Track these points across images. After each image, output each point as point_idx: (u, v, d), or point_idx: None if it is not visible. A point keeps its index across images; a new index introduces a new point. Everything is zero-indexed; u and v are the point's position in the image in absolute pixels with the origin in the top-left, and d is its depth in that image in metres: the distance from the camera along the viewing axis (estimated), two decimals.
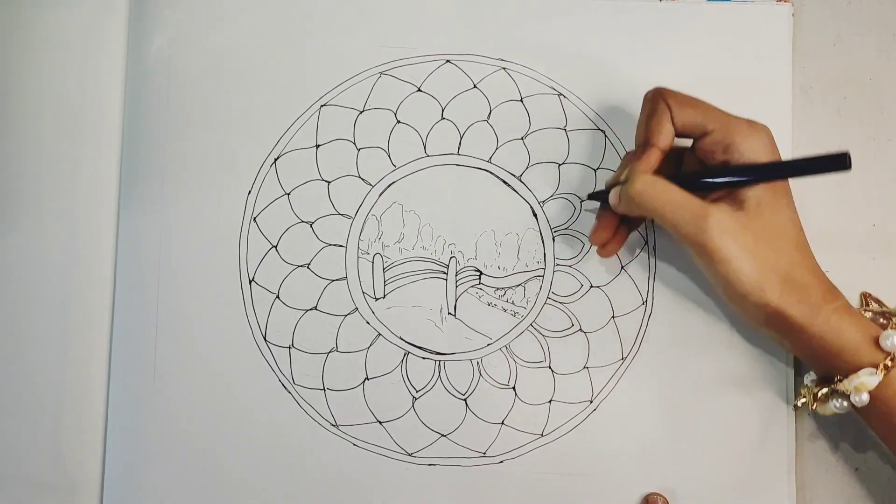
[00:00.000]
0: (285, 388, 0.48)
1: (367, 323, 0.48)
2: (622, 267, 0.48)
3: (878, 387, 0.40)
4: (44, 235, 0.48)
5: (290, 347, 0.48)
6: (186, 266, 0.48)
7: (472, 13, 0.49)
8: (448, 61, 0.49)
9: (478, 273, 0.48)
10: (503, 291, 0.48)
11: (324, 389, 0.47)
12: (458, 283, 0.48)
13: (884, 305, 0.43)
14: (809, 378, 0.44)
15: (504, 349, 0.48)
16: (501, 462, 0.47)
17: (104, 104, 0.49)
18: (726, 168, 0.42)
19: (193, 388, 0.47)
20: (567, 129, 0.49)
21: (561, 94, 0.49)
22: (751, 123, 0.42)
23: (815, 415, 0.46)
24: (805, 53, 0.49)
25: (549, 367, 0.47)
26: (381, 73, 0.49)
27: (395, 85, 0.49)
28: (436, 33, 0.49)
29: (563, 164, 0.48)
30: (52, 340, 0.47)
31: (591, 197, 0.47)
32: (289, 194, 0.49)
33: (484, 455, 0.47)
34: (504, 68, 0.49)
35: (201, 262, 0.48)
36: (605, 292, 0.48)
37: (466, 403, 0.47)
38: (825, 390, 0.42)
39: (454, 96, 0.49)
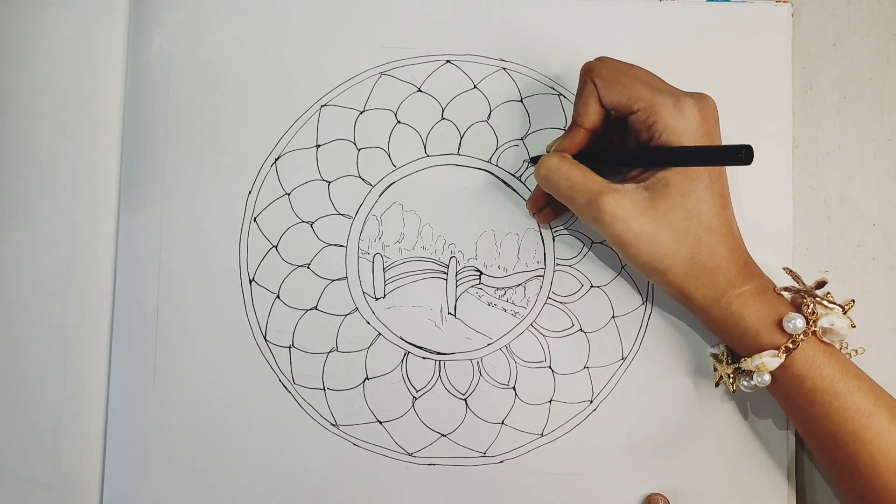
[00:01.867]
0: (285, 388, 0.47)
1: (368, 323, 0.48)
2: (622, 267, 0.48)
3: (780, 368, 0.40)
4: (44, 235, 0.48)
5: (290, 347, 0.48)
6: (186, 266, 0.48)
7: (472, 13, 0.49)
8: (448, 61, 0.49)
9: (478, 273, 0.48)
10: (503, 291, 0.48)
11: (324, 389, 0.47)
12: (458, 283, 0.48)
13: (802, 283, 0.43)
14: (719, 349, 0.45)
15: (504, 349, 0.48)
16: (501, 462, 0.47)
17: (104, 104, 0.49)
18: (618, 151, 0.43)
19: (193, 388, 0.47)
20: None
21: (561, 94, 0.49)
22: (677, 104, 0.41)
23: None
24: (805, 53, 0.49)
25: (549, 367, 0.47)
26: (381, 73, 0.49)
27: (396, 85, 0.49)
28: (436, 33, 0.49)
29: None
30: (52, 340, 0.47)
31: (532, 161, 0.48)
32: (289, 194, 0.49)
33: (484, 455, 0.47)
34: (504, 68, 0.49)
35: (201, 262, 0.48)
36: (605, 292, 0.48)
37: (466, 403, 0.47)
38: (732, 370, 0.43)
39: (454, 96, 0.49)
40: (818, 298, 0.42)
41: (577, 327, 0.48)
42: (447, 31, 0.49)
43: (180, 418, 0.47)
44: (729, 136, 0.48)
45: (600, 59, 0.43)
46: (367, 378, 0.47)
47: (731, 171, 0.48)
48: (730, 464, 0.47)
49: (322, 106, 0.49)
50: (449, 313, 0.48)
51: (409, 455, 0.47)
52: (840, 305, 0.42)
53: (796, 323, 0.40)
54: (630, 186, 0.41)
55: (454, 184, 0.48)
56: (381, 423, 0.47)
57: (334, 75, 0.49)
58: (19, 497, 0.47)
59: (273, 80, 0.49)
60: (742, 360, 0.42)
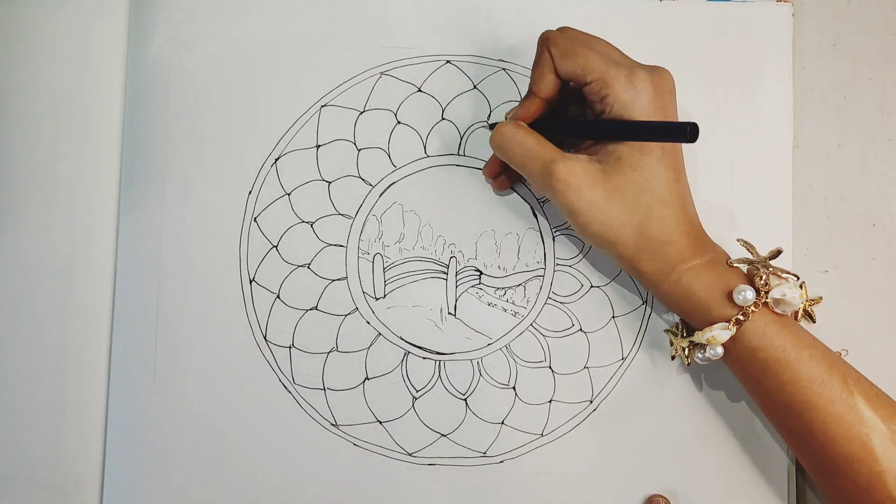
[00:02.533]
0: (285, 387, 0.48)
1: (368, 323, 0.48)
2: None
3: (731, 340, 0.40)
4: (44, 235, 0.48)
5: (290, 347, 0.48)
6: (186, 266, 0.48)
7: (472, 14, 0.49)
8: (448, 62, 0.49)
9: (478, 273, 0.48)
10: (503, 291, 0.48)
11: (324, 389, 0.47)
12: (458, 283, 0.48)
13: (755, 254, 0.43)
14: (674, 323, 0.45)
15: (504, 349, 0.48)
16: (501, 462, 0.47)
17: (104, 104, 0.49)
18: (568, 122, 0.43)
19: (193, 388, 0.47)
20: None
21: None
22: (630, 77, 0.40)
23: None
24: (805, 53, 0.49)
25: (549, 367, 0.47)
26: (381, 73, 0.49)
27: (396, 85, 0.49)
28: (436, 33, 0.49)
29: None
30: (52, 340, 0.47)
31: (490, 127, 0.47)
32: (289, 194, 0.49)
33: (484, 455, 0.47)
34: (504, 69, 0.49)
35: (201, 262, 0.48)
36: (605, 292, 0.48)
37: (466, 403, 0.47)
38: (686, 343, 0.43)
39: (454, 97, 0.49)
40: (771, 269, 0.42)
41: (577, 327, 0.48)
42: (447, 31, 0.49)
43: (180, 418, 0.47)
44: (729, 136, 0.48)
45: (561, 29, 0.43)
46: (367, 378, 0.47)
47: (730, 171, 0.48)
48: (730, 464, 0.47)
49: (322, 106, 0.49)
50: (449, 313, 0.48)
51: (409, 455, 0.47)
52: (794, 275, 0.42)
53: (746, 295, 0.40)
54: (583, 157, 0.41)
55: (454, 184, 0.48)
56: (381, 423, 0.47)
57: (334, 75, 0.49)
58: (19, 497, 0.47)
59: (273, 81, 0.49)
60: (695, 333, 0.42)
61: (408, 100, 0.49)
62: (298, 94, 0.49)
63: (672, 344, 0.45)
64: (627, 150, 0.40)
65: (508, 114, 0.45)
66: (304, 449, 0.47)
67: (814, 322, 0.44)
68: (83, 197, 0.48)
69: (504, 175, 0.47)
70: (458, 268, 0.48)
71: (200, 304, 0.48)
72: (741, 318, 0.40)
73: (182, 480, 0.47)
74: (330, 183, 0.49)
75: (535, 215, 0.48)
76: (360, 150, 0.49)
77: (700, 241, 0.42)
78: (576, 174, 0.40)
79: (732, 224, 0.47)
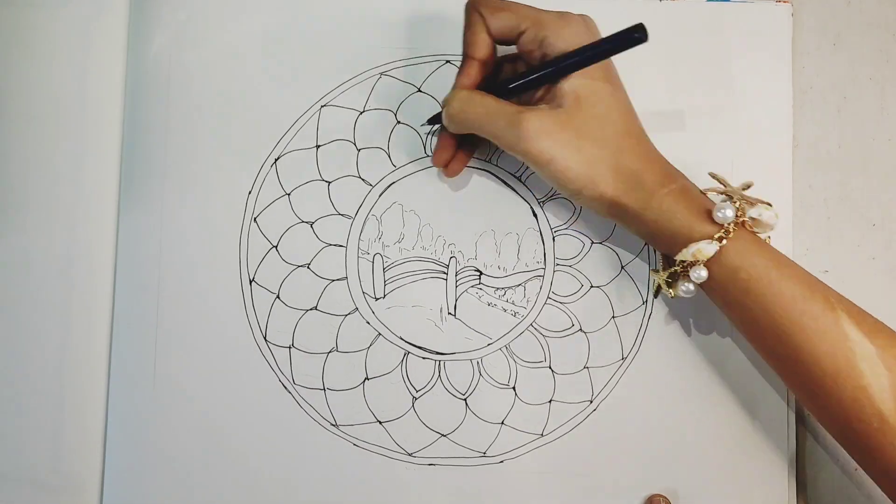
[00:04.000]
0: (285, 388, 0.47)
1: (367, 323, 0.48)
2: (622, 267, 0.48)
3: (714, 261, 0.40)
4: (44, 235, 0.48)
5: (290, 347, 0.48)
6: (186, 266, 0.48)
7: None
8: (448, 62, 0.49)
9: (478, 273, 0.48)
10: (503, 291, 0.48)
11: (324, 389, 0.47)
12: (458, 283, 0.48)
13: (727, 185, 0.43)
14: (659, 264, 0.45)
15: (504, 349, 0.48)
16: (501, 462, 0.47)
17: (104, 104, 0.49)
18: (520, 76, 0.43)
19: (193, 388, 0.47)
20: None
21: None
22: (561, 15, 0.42)
23: None
24: (805, 53, 0.49)
25: (549, 367, 0.47)
26: (381, 73, 0.49)
27: (396, 85, 0.49)
28: (436, 34, 0.49)
29: None
30: (52, 340, 0.47)
31: (430, 121, 0.48)
32: (289, 194, 0.49)
33: (484, 455, 0.47)
34: None
35: (201, 262, 0.48)
36: (605, 292, 0.48)
37: (466, 403, 0.47)
38: (668, 273, 0.43)
39: None
40: (744, 196, 0.42)
41: (577, 327, 0.48)
42: (447, 31, 0.49)
43: (180, 419, 0.47)
44: (729, 136, 0.48)
45: None
46: (367, 378, 0.47)
47: (730, 171, 0.48)
48: (730, 464, 0.47)
49: (322, 106, 0.49)
50: (449, 313, 0.48)
51: (409, 455, 0.47)
52: (766, 203, 0.42)
53: (726, 212, 0.40)
54: (544, 107, 0.41)
55: (454, 184, 0.48)
56: (381, 423, 0.47)
57: (334, 75, 0.49)
58: (19, 497, 0.47)
59: (273, 81, 0.49)
60: (680, 251, 0.41)
61: (408, 100, 0.49)
62: (298, 94, 0.49)
63: (654, 281, 0.45)
64: (583, 88, 0.41)
65: (447, 98, 0.44)
66: (304, 449, 0.47)
67: None
68: (83, 197, 0.48)
69: (455, 159, 0.47)
70: (458, 268, 0.48)
71: (200, 304, 0.48)
72: (723, 234, 0.40)
73: (182, 480, 0.47)
74: (330, 183, 0.49)
75: (534, 215, 0.48)
76: (359, 150, 0.49)
77: (669, 167, 0.42)
78: (544, 120, 0.41)
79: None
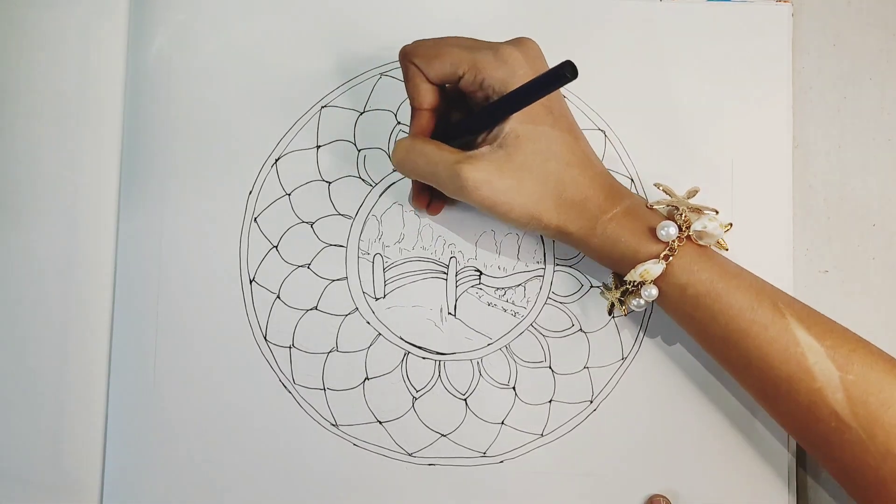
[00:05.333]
0: (285, 387, 0.48)
1: (368, 323, 0.48)
2: None
3: (662, 279, 0.41)
4: (44, 235, 0.48)
5: (290, 347, 0.48)
6: (186, 266, 0.48)
7: (472, 15, 0.49)
8: None
9: (478, 273, 0.48)
10: (503, 291, 0.48)
11: (324, 389, 0.47)
12: (458, 283, 0.48)
13: (673, 194, 0.43)
14: (610, 281, 0.45)
15: (504, 349, 0.48)
16: (501, 462, 0.47)
17: (104, 104, 0.49)
18: (458, 124, 0.43)
19: (193, 388, 0.47)
20: None
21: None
22: (497, 54, 0.41)
23: None
24: (805, 53, 0.49)
25: (549, 367, 0.47)
26: (381, 73, 0.49)
27: (396, 86, 0.49)
28: (436, 34, 0.49)
29: None
30: (52, 340, 0.47)
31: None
32: (289, 195, 0.49)
33: (484, 455, 0.47)
34: None
35: (201, 262, 0.48)
36: None
37: (466, 403, 0.47)
38: (620, 292, 0.43)
39: None
40: (690, 205, 0.42)
41: (577, 327, 0.48)
42: (447, 32, 0.49)
43: (180, 418, 0.47)
44: (729, 136, 0.48)
45: (414, 42, 0.43)
46: (367, 378, 0.47)
47: (730, 171, 0.48)
48: (730, 464, 0.47)
49: (322, 107, 0.49)
50: (449, 313, 0.48)
51: (409, 455, 0.47)
52: (713, 210, 0.42)
53: (669, 230, 0.40)
54: (485, 149, 0.41)
55: None
56: (381, 423, 0.47)
57: (334, 76, 0.49)
58: (19, 497, 0.47)
59: (273, 81, 0.49)
60: (628, 272, 0.42)
61: (408, 100, 0.49)
62: (298, 95, 0.49)
63: (607, 299, 0.45)
64: (522, 126, 0.41)
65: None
66: (304, 449, 0.47)
67: (726, 251, 0.44)
68: (83, 197, 0.48)
69: (434, 199, 0.47)
70: (458, 268, 0.48)
71: (200, 303, 0.48)
72: (668, 253, 0.40)
73: (182, 480, 0.47)
74: (330, 183, 0.49)
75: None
76: (360, 151, 0.49)
77: (614, 190, 0.42)
78: (482, 167, 0.41)
79: (733, 224, 0.47)
